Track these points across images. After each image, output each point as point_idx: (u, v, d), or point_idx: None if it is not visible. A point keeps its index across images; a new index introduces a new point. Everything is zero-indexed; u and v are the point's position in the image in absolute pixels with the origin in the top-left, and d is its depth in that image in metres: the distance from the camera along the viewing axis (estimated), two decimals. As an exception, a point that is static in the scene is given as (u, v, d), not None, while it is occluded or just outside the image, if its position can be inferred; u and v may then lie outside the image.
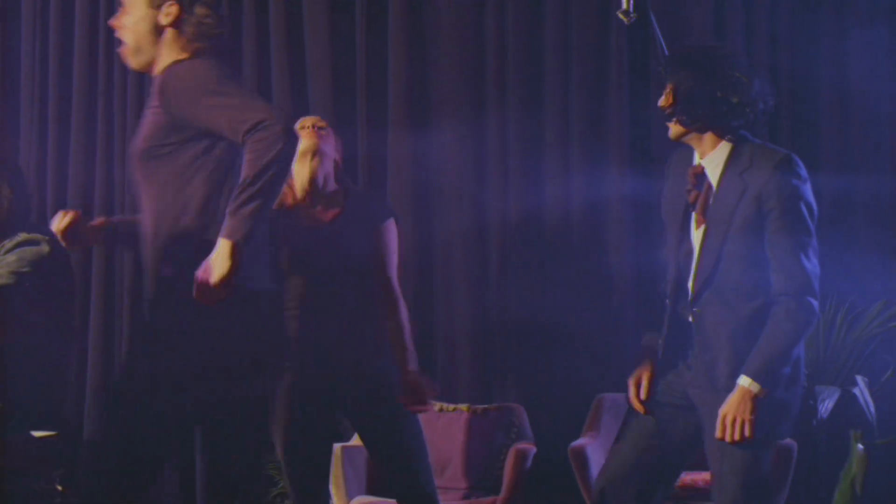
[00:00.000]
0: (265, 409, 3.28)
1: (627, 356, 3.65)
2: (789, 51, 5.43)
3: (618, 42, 5.50)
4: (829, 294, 5.11)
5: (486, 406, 5.34)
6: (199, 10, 3.25)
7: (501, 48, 5.65)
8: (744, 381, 3.29)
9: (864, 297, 5.15)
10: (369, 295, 4.04)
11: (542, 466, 5.11)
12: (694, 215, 3.46)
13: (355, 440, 5.07)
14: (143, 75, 5.88)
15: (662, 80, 3.50)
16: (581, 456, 4.83)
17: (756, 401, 3.27)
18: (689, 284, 3.44)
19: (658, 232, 3.64)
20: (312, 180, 4.04)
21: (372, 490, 5.14)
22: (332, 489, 4.98)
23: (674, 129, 3.47)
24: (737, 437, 3.27)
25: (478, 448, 5.25)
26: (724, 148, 3.44)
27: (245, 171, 2.98)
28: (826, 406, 4.84)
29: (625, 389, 3.53)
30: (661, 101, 3.49)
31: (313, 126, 4.08)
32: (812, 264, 3.33)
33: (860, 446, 4.91)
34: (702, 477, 4.79)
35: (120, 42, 3.33)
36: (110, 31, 5.45)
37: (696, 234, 3.45)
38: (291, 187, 4.05)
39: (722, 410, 3.30)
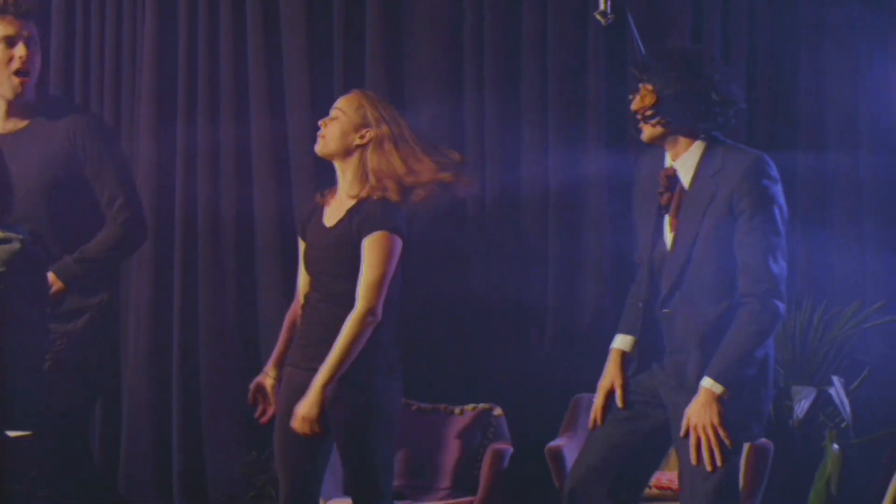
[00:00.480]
0: None
1: (604, 349, 3.63)
2: (768, 51, 5.42)
3: (595, 23, 5.43)
4: (806, 295, 5.13)
5: (463, 406, 5.33)
6: None
7: (478, 27, 5.58)
8: (706, 382, 3.29)
9: (840, 297, 5.16)
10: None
11: (519, 467, 5.10)
12: (667, 218, 3.46)
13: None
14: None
15: (636, 82, 3.47)
16: (558, 456, 4.83)
17: (720, 402, 3.28)
18: (662, 286, 3.44)
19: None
20: None
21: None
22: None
23: (650, 131, 3.43)
24: (711, 437, 3.28)
25: (456, 448, 5.24)
26: (696, 149, 3.42)
27: None
28: (802, 406, 4.85)
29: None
30: (635, 104, 3.45)
31: None
32: (780, 267, 3.33)
33: (836, 446, 4.92)
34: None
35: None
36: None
37: (669, 237, 3.44)
38: None
39: (687, 411, 3.31)
